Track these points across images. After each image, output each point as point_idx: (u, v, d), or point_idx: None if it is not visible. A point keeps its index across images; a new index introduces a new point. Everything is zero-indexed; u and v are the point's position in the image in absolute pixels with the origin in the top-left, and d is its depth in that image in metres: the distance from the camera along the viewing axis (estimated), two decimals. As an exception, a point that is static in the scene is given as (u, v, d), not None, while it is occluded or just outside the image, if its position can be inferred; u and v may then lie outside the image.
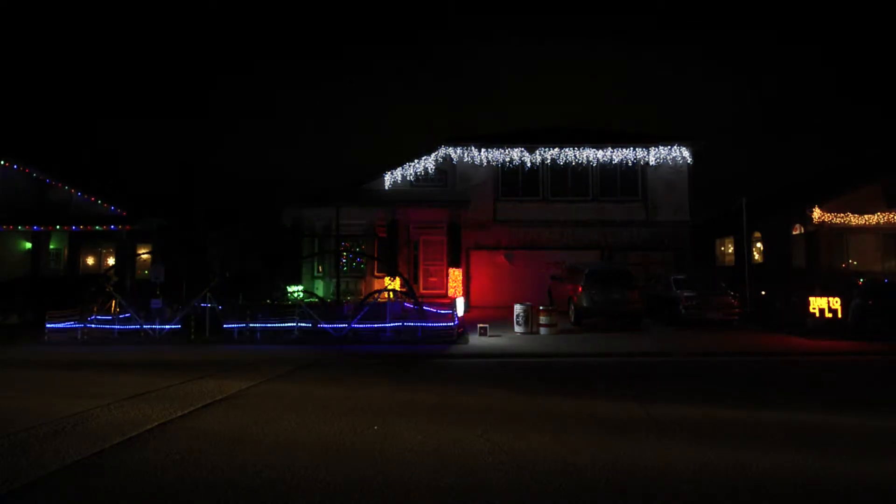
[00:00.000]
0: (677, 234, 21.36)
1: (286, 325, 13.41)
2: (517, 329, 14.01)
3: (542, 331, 13.76)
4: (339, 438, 5.61)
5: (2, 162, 20.84)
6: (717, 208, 27.14)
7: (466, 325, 14.78)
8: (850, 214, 18.53)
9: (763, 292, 17.09)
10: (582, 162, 21.48)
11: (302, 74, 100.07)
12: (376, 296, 16.45)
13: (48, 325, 13.35)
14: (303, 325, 13.36)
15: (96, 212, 20.65)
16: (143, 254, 20.91)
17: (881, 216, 18.50)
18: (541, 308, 14.15)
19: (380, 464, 4.89)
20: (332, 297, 19.62)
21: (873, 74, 75.55)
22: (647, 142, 21.69)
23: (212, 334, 13.15)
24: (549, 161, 21.54)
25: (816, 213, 18.61)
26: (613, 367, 10.11)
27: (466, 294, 20.34)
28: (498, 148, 21.64)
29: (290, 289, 19.11)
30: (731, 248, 24.05)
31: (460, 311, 14.77)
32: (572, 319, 15.52)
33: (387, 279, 20.02)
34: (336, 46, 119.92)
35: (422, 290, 20.72)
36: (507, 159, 21.59)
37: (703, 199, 23.21)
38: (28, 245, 21.48)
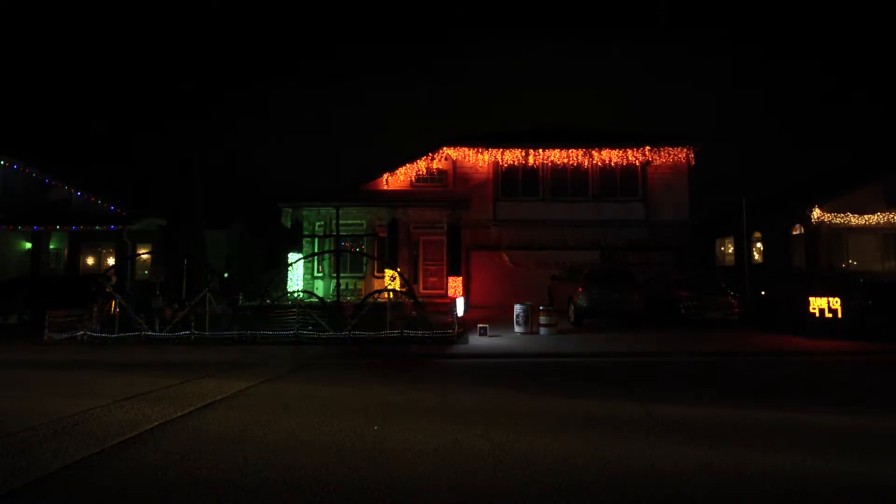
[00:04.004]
0: (677, 233, 21.36)
1: (286, 324, 13.39)
2: (517, 329, 14.00)
3: (542, 331, 13.75)
4: (339, 438, 5.61)
5: (2, 162, 20.85)
6: (717, 208, 27.15)
7: (466, 325, 14.77)
8: (850, 214, 18.54)
9: (763, 292, 17.08)
10: (582, 162, 21.49)
11: (302, 75, 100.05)
12: (376, 296, 16.45)
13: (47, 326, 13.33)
14: (302, 324, 13.34)
15: (96, 212, 20.68)
16: (143, 254, 20.92)
17: (881, 216, 18.51)
18: (541, 308, 14.12)
19: (380, 464, 4.89)
20: (332, 296, 19.62)
21: (874, 74, 75.53)
22: (646, 142, 21.67)
23: (212, 334, 13.15)
24: (548, 161, 21.55)
25: (816, 213, 18.62)
26: (613, 367, 10.11)
27: (466, 294, 20.34)
28: (498, 148, 21.65)
29: (290, 289, 19.12)
30: (731, 248, 24.03)
31: (460, 311, 14.76)
32: (572, 319, 15.51)
33: (387, 279, 20.02)
34: (336, 45, 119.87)
35: (422, 291, 20.72)
36: (507, 159, 21.59)
37: (703, 199, 23.23)
38: (28, 245, 21.49)
